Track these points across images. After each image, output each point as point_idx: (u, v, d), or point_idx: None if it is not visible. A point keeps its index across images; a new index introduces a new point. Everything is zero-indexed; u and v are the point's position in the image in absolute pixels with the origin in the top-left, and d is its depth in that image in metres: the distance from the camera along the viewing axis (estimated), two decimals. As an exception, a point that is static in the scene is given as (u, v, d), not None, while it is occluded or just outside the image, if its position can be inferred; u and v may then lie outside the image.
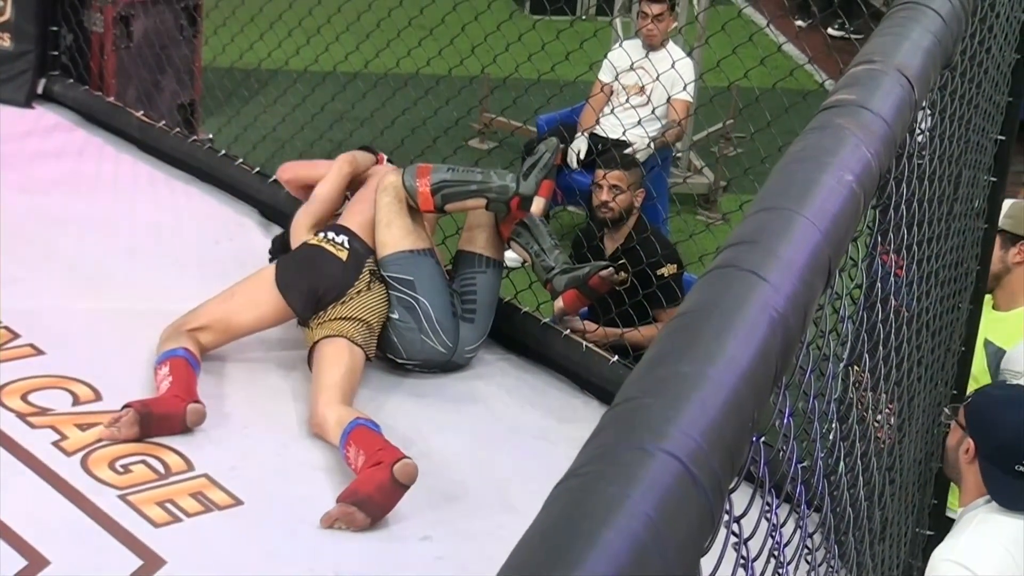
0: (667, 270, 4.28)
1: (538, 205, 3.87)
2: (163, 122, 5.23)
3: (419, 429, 3.55)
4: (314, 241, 3.79)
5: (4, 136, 5.09)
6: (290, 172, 4.19)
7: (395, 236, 3.78)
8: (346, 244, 3.77)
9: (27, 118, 5.37)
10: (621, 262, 4.25)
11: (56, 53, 5.52)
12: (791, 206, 1.16)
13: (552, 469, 3.24)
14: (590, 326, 4.19)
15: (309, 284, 3.69)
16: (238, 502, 3.18)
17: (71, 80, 5.50)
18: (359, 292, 3.71)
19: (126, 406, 3.38)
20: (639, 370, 0.97)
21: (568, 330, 4.06)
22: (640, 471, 0.84)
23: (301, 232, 3.89)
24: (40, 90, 5.49)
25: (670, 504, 0.83)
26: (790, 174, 1.24)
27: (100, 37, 5.55)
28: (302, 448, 3.44)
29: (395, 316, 3.76)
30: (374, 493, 3.14)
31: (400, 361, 3.82)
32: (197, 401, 3.43)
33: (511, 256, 4.85)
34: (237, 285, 3.77)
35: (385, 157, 4.22)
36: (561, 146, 3.99)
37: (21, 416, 3.40)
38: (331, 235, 3.79)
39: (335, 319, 3.65)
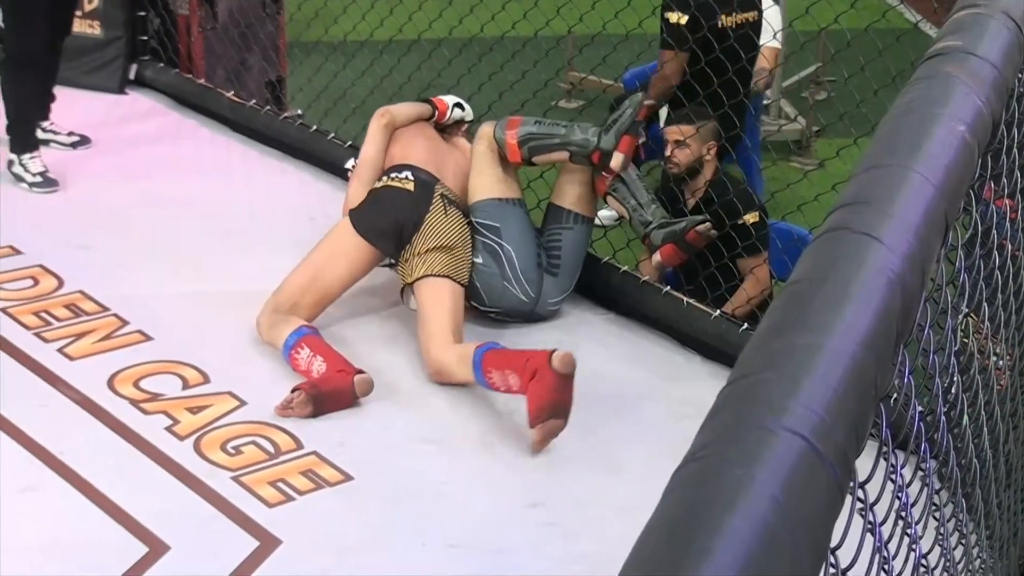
0: (749, 218, 4.19)
1: (617, 160, 3.89)
2: (253, 101, 5.27)
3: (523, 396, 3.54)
4: (379, 185, 3.86)
5: (100, 123, 5.17)
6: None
7: (486, 184, 3.90)
8: (409, 176, 3.84)
9: (122, 104, 5.44)
10: (702, 215, 4.20)
11: (145, 38, 5.58)
12: (902, 162, 1.12)
13: (657, 428, 3.25)
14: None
15: (387, 220, 3.76)
16: (348, 478, 3.20)
17: (161, 64, 5.56)
18: (436, 217, 3.77)
19: (295, 389, 3.42)
20: (754, 343, 0.95)
21: (667, 287, 4.03)
22: (763, 451, 0.82)
23: (358, 197, 3.90)
24: (132, 76, 5.56)
25: (796, 484, 0.81)
26: (899, 128, 1.20)
27: (186, 19, 5.59)
28: (408, 422, 3.45)
29: (479, 261, 3.82)
30: (554, 395, 3.22)
31: (483, 309, 3.86)
32: (361, 371, 3.47)
33: (607, 215, 4.82)
34: (314, 251, 3.82)
35: (447, 102, 4.21)
36: (647, 101, 3.97)
37: (134, 403, 3.45)
38: (393, 174, 3.86)
39: (423, 251, 3.71)
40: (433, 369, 3.56)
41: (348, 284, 3.82)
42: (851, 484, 1.00)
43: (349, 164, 4.25)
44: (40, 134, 4.76)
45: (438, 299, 3.67)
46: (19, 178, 4.55)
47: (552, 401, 3.22)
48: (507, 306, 3.85)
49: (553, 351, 3.26)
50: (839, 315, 0.95)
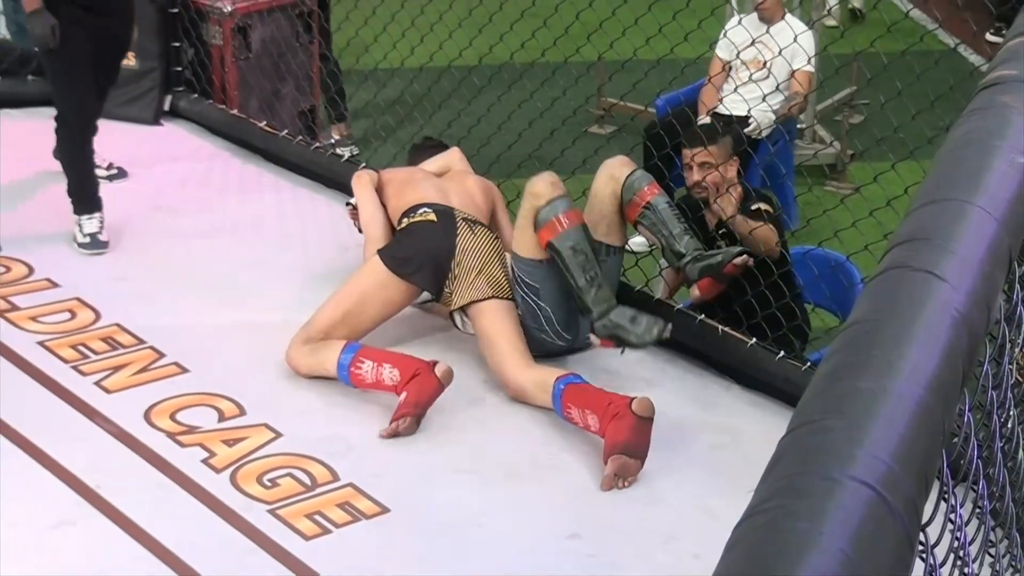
0: (762, 206, 4.13)
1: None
2: (285, 131, 5.27)
3: (559, 425, 3.52)
4: (403, 224, 3.89)
5: (135, 155, 5.18)
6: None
7: (528, 242, 3.76)
8: (428, 210, 3.87)
9: (156, 135, 5.46)
10: (723, 231, 4.15)
11: (179, 69, 5.60)
12: (962, 196, 1.09)
13: (695, 459, 3.22)
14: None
15: (421, 253, 3.78)
16: (384, 510, 3.18)
17: (195, 95, 5.58)
18: (465, 240, 3.81)
19: (398, 416, 3.44)
20: (814, 387, 0.92)
21: (701, 316, 3.98)
22: (829, 503, 0.78)
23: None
24: (167, 107, 5.58)
25: (866, 537, 0.78)
26: (956, 161, 1.17)
27: (220, 50, 5.61)
28: (445, 453, 3.43)
29: (518, 312, 3.79)
30: (632, 437, 3.30)
31: None
32: (434, 362, 3.50)
33: (638, 241, 4.77)
34: (345, 288, 3.81)
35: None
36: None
37: (171, 436, 3.44)
38: (411, 214, 3.89)
39: (466, 276, 3.74)
40: (512, 391, 3.62)
41: (379, 322, 3.82)
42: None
43: (352, 200, 4.22)
44: None
45: (498, 321, 3.71)
46: (73, 235, 4.46)
47: (627, 439, 3.29)
48: (545, 351, 3.81)
49: (633, 397, 3.34)
50: (904, 357, 0.92)
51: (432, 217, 3.84)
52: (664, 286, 4.19)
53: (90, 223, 4.46)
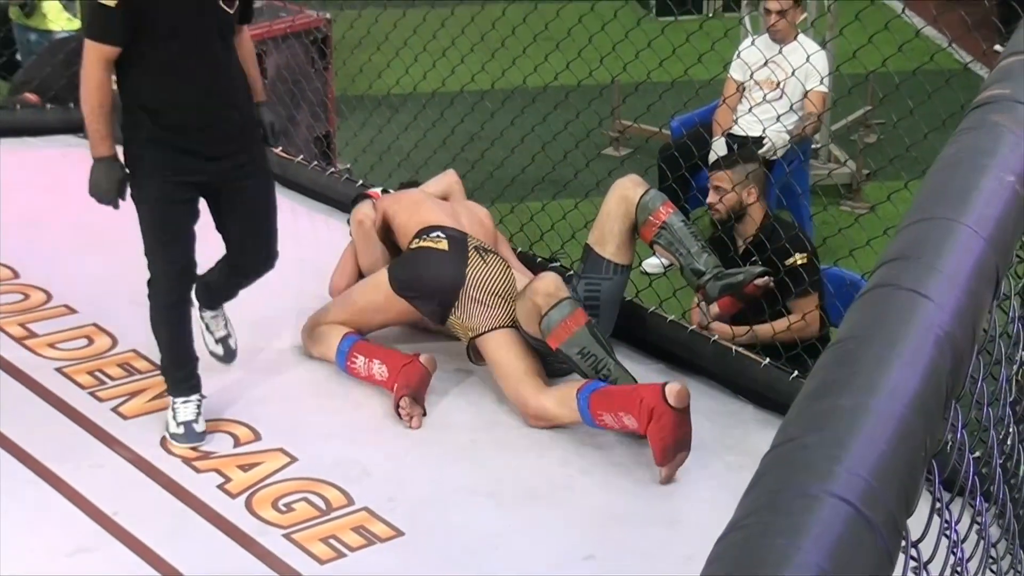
0: (796, 259, 4.16)
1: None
2: (301, 156, 5.30)
3: (576, 446, 3.53)
4: (414, 245, 3.90)
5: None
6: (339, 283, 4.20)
7: None
8: (441, 235, 3.88)
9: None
10: (752, 258, 4.17)
11: (194, 96, 5.61)
12: (949, 215, 1.10)
13: (711, 479, 3.21)
14: (720, 328, 4.11)
15: (427, 286, 3.81)
16: (399, 533, 3.19)
17: (210, 123, 5.60)
18: (476, 269, 3.82)
19: (398, 401, 3.60)
20: (798, 405, 0.93)
21: (716, 336, 3.99)
22: (808, 519, 0.80)
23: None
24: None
25: (844, 553, 0.79)
26: (946, 180, 1.18)
27: (235, 78, 5.64)
28: (458, 475, 3.44)
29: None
30: (676, 432, 3.35)
31: None
32: (418, 355, 3.69)
33: (652, 263, 4.79)
34: (354, 294, 3.97)
35: (378, 191, 4.31)
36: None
37: (186, 461, 3.47)
38: (424, 236, 3.90)
39: (475, 307, 3.75)
40: (532, 415, 3.60)
41: (384, 327, 3.96)
42: (903, 544, 0.97)
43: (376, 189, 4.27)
44: None
45: (510, 346, 3.70)
46: (166, 422, 3.60)
47: (676, 439, 3.34)
48: (551, 371, 3.81)
49: (664, 385, 3.35)
50: (886, 375, 0.93)
51: (444, 245, 3.85)
52: (700, 316, 4.19)
53: (185, 409, 3.55)
